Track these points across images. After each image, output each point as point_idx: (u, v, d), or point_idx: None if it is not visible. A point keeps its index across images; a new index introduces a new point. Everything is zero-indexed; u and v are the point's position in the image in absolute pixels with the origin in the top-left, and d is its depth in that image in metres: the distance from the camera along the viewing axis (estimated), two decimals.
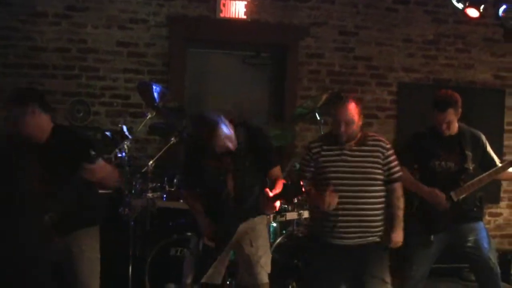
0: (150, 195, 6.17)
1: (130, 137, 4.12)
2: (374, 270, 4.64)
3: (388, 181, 4.72)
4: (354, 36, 8.23)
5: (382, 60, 8.33)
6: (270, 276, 4.88)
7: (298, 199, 6.20)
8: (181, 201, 5.98)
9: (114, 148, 4.07)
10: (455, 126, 5.27)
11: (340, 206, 4.49)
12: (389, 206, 4.73)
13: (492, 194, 8.43)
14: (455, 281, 7.65)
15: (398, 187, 4.79)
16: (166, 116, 6.64)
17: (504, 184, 8.70)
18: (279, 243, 6.24)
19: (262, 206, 4.53)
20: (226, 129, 4.54)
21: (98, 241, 4.65)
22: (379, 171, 4.66)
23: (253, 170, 4.74)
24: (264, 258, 4.83)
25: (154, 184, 6.35)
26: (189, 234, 5.59)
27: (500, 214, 8.77)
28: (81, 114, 7.45)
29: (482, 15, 6.66)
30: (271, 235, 6.24)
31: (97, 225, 4.66)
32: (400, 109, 8.26)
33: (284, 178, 4.87)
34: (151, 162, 6.35)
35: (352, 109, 4.62)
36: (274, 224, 6.34)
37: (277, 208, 4.61)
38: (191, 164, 4.88)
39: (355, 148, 4.66)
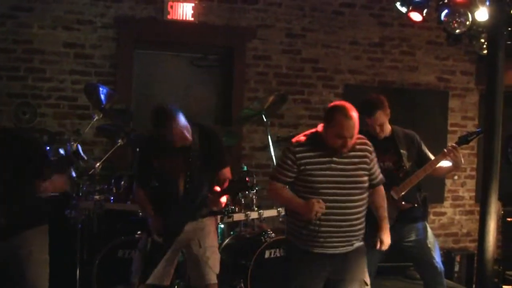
0: (97, 197, 6.16)
1: (85, 158, 4.08)
2: (355, 274, 4.49)
3: (372, 185, 4.52)
4: (300, 39, 8.31)
5: (328, 62, 8.41)
6: (218, 276, 4.90)
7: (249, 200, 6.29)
8: (129, 202, 6.01)
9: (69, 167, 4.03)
10: (388, 128, 5.34)
11: (325, 217, 4.25)
12: (373, 207, 4.61)
13: (436, 194, 8.61)
14: (400, 279, 7.77)
15: (381, 187, 4.64)
16: (113, 118, 6.62)
17: (448, 184, 8.90)
18: (227, 244, 6.29)
19: (209, 202, 4.53)
20: (183, 120, 4.60)
21: (47, 242, 4.55)
22: (366, 178, 4.42)
23: (203, 169, 4.76)
24: (212, 258, 4.86)
25: (101, 186, 6.33)
26: (137, 235, 5.59)
27: (444, 213, 8.96)
28: (27, 116, 7.35)
29: (425, 19, 6.78)
30: (219, 236, 6.27)
31: (45, 225, 4.55)
32: None
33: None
34: (98, 164, 6.35)
35: (357, 121, 4.26)
36: (222, 225, 6.38)
37: (224, 204, 4.63)
38: (143, 161, 4.89)
39: (343, 155, 4.33)
